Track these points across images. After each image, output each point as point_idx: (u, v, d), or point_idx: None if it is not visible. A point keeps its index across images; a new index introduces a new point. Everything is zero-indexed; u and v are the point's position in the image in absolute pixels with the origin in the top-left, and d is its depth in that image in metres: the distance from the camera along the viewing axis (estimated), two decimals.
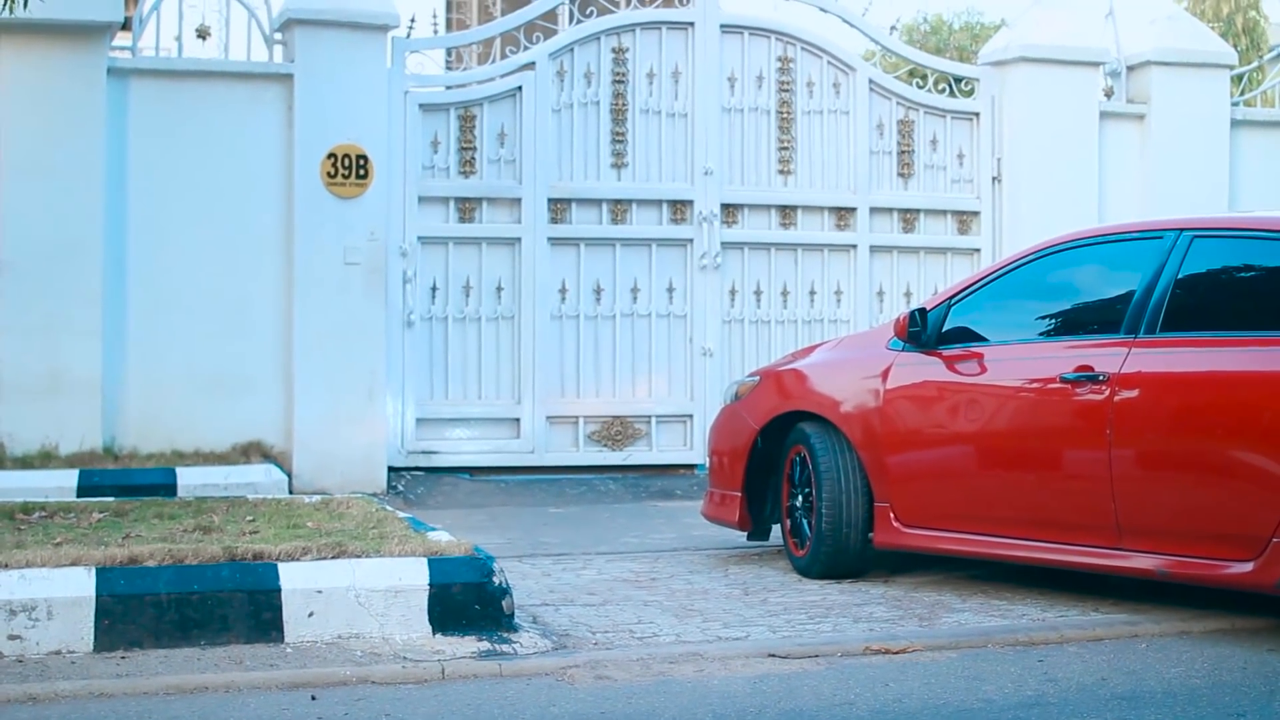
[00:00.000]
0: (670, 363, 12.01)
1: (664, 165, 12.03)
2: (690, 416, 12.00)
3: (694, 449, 11.92)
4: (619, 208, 11.92)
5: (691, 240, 12.04)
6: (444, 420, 11.54)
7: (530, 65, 11.73)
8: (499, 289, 11.64)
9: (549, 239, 11.71)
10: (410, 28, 11.47)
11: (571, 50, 11.85)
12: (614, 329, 11.91)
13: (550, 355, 11.72)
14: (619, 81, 11.95)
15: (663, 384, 11.99)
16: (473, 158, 11.60)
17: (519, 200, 11.66)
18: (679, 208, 12.04)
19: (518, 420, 11.68)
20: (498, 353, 11.67)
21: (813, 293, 12.38)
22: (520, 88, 11.68)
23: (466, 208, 11.60)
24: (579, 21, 11.91)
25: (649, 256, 11.98)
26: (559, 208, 11.76)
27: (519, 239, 11.66)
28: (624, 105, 11.95)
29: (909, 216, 12.63)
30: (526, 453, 11.68)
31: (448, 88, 11.73)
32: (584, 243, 11.83)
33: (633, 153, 11.95)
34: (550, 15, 11.98)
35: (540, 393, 11.68)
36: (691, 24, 12.09)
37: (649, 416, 11.97)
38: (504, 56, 11.80)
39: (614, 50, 11.95)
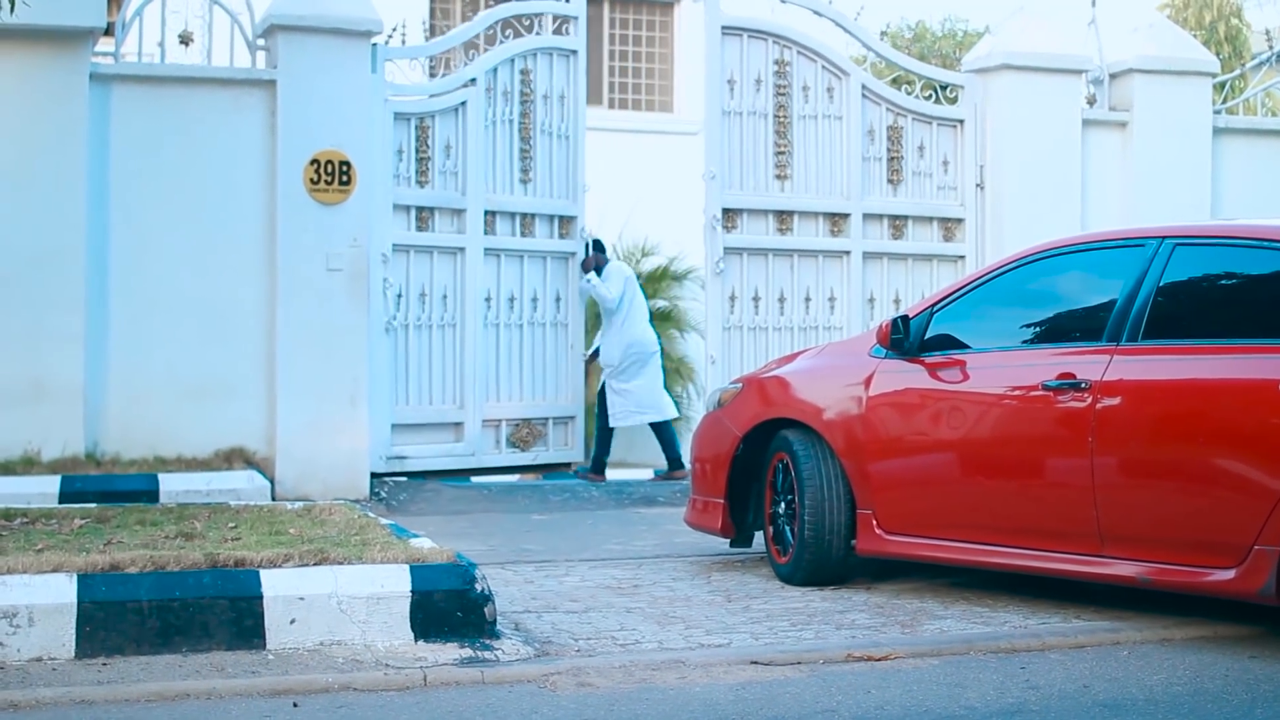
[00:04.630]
0: (559, 368, 12.36)
1: (554, 182, 12.28)
2: (572, 418, 12.41)
3: (574, 449, 12.45)
4: (526, 221, 12.18)
5: (574, 254, 12.35)
6: (409, 426, 11.68)
7: (474, 81, 11.86)
8: (444, 297, 11.79)
9: (485, 249, 11.88)
10: (389, 36, 11.48)
11: (496, 70, 12.00)
12: (521, 336, 12.19)
13: (485, 361, 11.91)
14: (526, 101, 12.11)
15: (554, 388, 12.35)
16: (427, 168, 11.71)
17: (463, 211, 11.82)
18: (564, 223, 12.33)
19: (461, 424, 11.90)
20: (444, 359, 11.84)
21: (808, 299, 12.44)
22: (465, 102, 11.80)
23: (423, 217, 11.76)
24: (502, 42, 12.12)
25: (544, 268, 12.31)
26: (489, 219, 11.96)
27: (463, 248, 11.83)
28: (530, 125, 12.13)
29: (898, 223, 12.68)
30: (468, 455, 11.94)
31: (431, 96, 11.76)
32: (503, 253, 12.07)
33: (535, 169, 12.16)
34: (491, 35, 12.23)
35: (478, 397, 11.88)
36: (575, 51, 12.34)
37: (547, 419, 12.30)
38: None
39: (521, 72, 12.12)
